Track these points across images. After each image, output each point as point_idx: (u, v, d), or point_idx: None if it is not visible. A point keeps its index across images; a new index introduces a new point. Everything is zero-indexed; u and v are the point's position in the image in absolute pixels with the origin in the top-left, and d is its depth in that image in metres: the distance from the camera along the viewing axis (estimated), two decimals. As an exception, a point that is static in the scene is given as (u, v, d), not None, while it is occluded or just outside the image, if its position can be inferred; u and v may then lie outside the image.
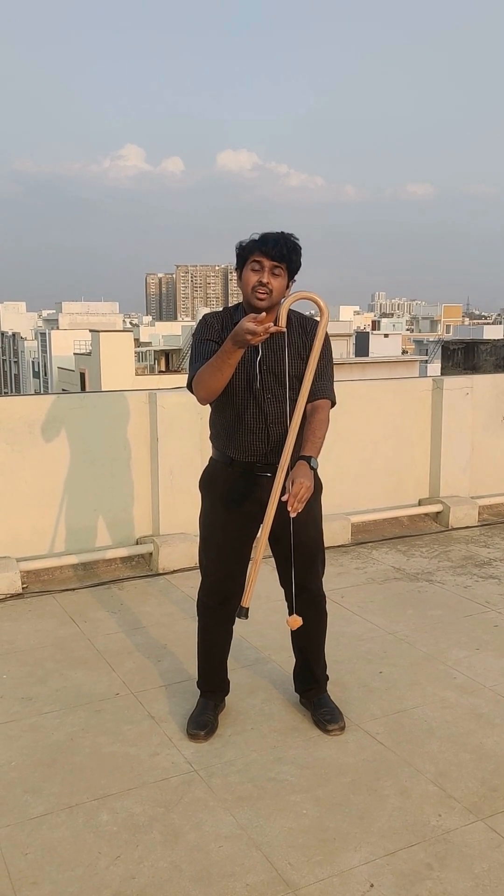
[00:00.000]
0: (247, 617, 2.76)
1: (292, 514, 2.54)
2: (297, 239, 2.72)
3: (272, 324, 2.47)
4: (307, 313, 2.90)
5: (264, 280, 2.67)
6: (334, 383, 2.92)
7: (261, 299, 2.69)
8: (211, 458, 3.00)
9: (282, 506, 2.76)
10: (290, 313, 2.82)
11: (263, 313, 2.54)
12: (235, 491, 2.86)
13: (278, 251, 2.66)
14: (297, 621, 2.76)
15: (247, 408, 2.79)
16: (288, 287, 2.75)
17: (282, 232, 2.71)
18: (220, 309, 2.95)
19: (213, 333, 2.81)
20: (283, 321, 2.50)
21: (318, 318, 2.75)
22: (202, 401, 2.80)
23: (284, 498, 2.54)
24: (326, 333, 2.75)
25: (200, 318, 2.88)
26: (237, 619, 2.80)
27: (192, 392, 2.79)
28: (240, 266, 2.75)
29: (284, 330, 2.52)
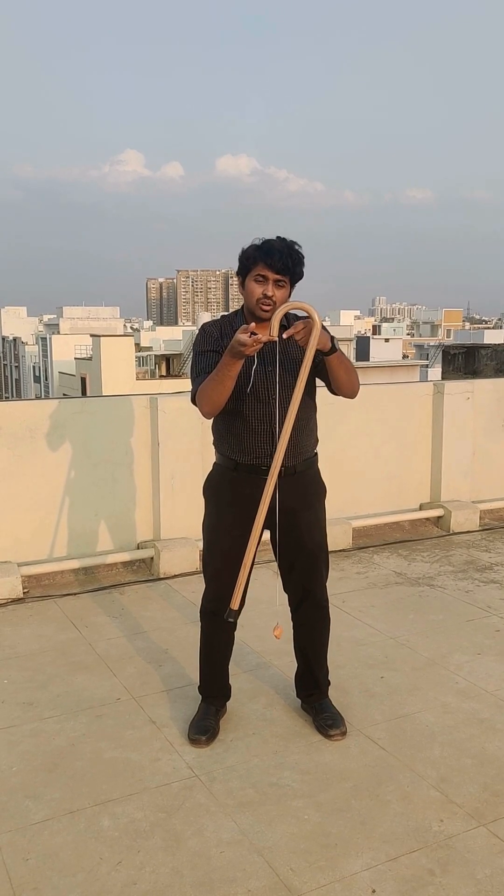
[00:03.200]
0: (235, 619, 2.77)
1: (297, 336, 2.52)
2: (300, 247, 2.73)
3: (264, 334, 2.51)
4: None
5: (269, 293, 2.70)
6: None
7: (265, 310, 2.71)
8: (214, 463, 3.00)
9: (284, 511, 2.76)
10: (292, 318, 2.83)
11: (252, 323, 2.55)
12: (240, 495, 2.86)
13: (283, 264, 2.68)
14: (280, 630, 2.74)
15: (251, 410, 2.80)
16: (289, 295, 2.77)
17: (284, 240, 2.72)
18: (219, 317, 2.96)
19: (212, 343, 2.82)
20: (274, 331, 2.53)
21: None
22: (207, 416, 2.82)
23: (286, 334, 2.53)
24: (329, 334, 2.76)
25: (200, 327, 2.89)
26: (229, 621, 2.80)
27: (195, 405, 2.81)
28: (242, 274, 2.76)
29: (276, 339, 2.55)
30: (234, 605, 2.72)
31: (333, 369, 2.73)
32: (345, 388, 2.82)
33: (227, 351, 2.57)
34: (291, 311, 2.72)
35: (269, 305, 2.71)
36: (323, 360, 2.71)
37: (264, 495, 2.61)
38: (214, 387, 2.67)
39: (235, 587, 2.71)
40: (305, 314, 2.59)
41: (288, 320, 2.83)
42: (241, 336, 2.47)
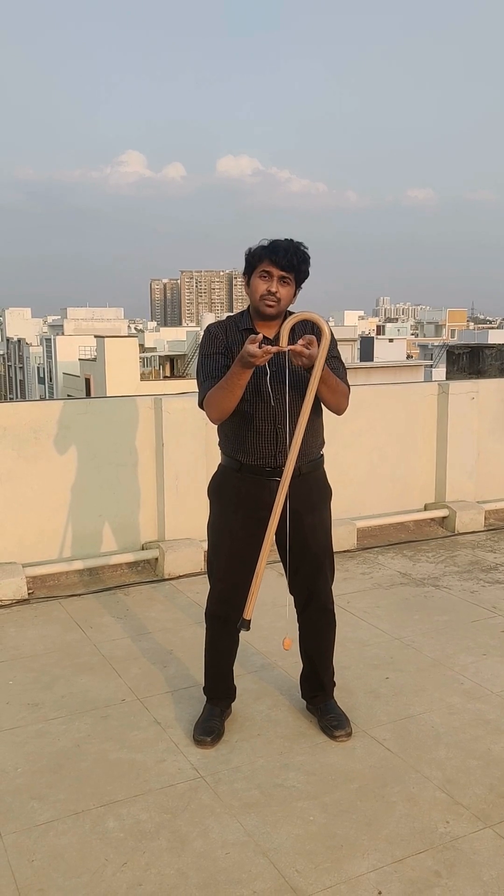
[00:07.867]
0: (248, 629, 2.77)
1: (293, 355, 2.54)
2: (306, 248, 2.73)
3: (273, 345, 2.54)
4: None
5: (273, 289, 2.69)
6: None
7: (270, 306, 2.71)
8: (220, 464, 3.00)
9: (291, 513, 2.75)
10: (300, 327, 2.80)
11: (261, 334, 2.54)
12: (245, 496, 2.85)
13: (288, 261, 2.67)
14: (289, 643, 2.78)
15: (255, 410, 2.79)
16: (295, 295, 2.76)
17: (290, 240, 2.72)
18: (224, 318, 2.95)
19: (218, 345, 2.81)
20: (283, 341, 2.54)
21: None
22: (215, 422, 2.82)
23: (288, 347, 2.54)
24: (334, 340, 2.76)
25: (205, 329, 2.88)
26: (239, 627, 2.81)
27: (203, 410, 2.80)
28: (248, 272, 2.76)
29: (286, 350, 2.54)
30: (248, 614, 2.72)
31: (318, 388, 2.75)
32: (327, 404, 2.84)
33: (236, 360, 2.57)
34: (300, 321, 2.71)
35: (273, 302, 2.70)
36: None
37: (276, 502, 2.61)
38: (223, 395, 2.67)
39: (248, 597, 2.71)
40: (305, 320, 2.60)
41: (294, 330, 2.82)
42: (251, 347, 2.47)
